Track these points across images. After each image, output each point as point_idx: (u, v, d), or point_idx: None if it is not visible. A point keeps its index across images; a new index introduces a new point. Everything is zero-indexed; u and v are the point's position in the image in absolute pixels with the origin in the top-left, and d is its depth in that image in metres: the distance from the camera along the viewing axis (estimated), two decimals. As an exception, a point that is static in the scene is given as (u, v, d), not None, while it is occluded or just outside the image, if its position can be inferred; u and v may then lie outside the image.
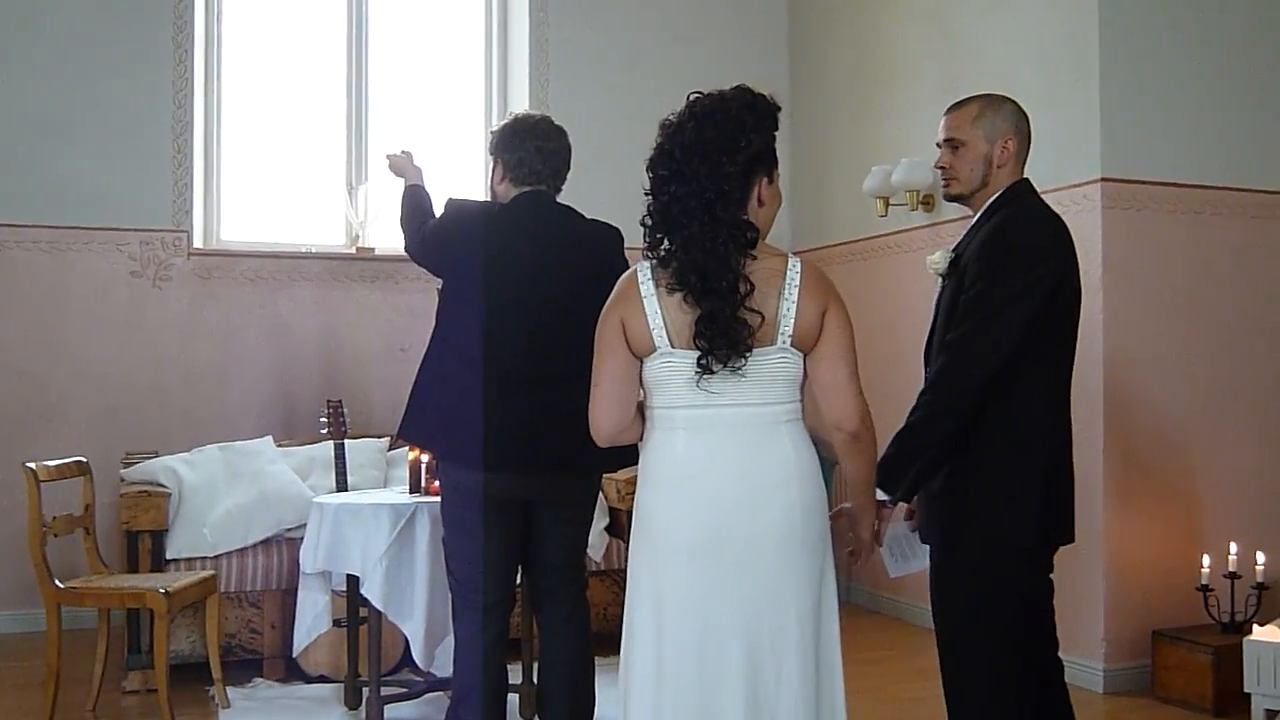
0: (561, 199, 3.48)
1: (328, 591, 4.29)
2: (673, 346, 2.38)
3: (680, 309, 2.37)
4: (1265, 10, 4.96)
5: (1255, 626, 4.28)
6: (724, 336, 2.33)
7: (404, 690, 4.29)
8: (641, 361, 2.43)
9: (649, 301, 2.39)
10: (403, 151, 3.79)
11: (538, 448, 3.26)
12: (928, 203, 5.60)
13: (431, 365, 3.39)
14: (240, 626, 4.77)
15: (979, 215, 2.85)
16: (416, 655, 4.00)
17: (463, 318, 3.32)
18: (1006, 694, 2.72)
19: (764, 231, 2.44)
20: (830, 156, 6.45)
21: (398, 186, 3.75)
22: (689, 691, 2.35)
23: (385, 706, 4.05)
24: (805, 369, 2.43)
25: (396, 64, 6.50)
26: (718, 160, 2.36)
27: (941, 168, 2.91)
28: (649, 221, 2.43)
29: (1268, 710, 4.08)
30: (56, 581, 4.04)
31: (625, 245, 3.42)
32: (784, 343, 2.38)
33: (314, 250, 6.21)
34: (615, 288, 2.47)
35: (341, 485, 4.59)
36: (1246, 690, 4.12)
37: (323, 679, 4.65)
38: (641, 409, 2.49)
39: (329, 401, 4.71)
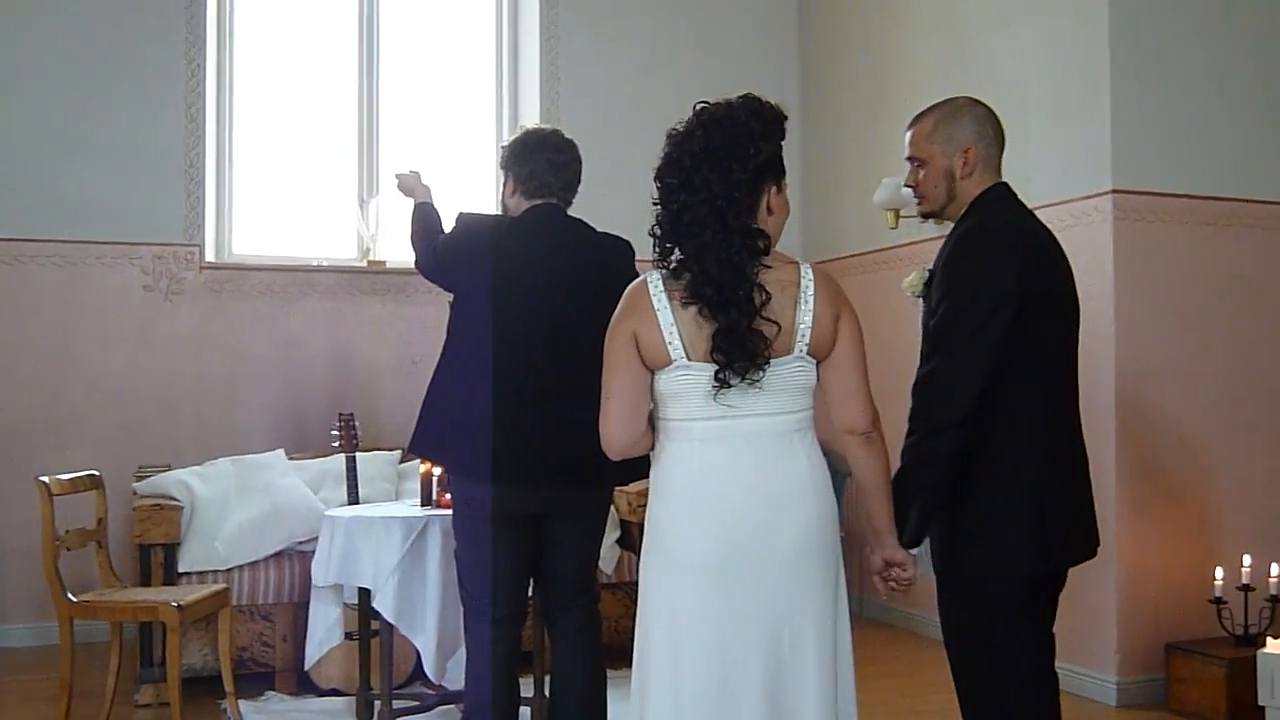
0: (573, 212, 3.48)
1: (339, 604, 4.30)
2: (689, 359, 2.36)
3: (696, 322, 2.35)
4: (1276, 21, 4.95)
5: (1269, 639, 4.26)
6: (741, 350, 2.31)
7: (416, 703, 4.29)
8: (653, 373, 2.41)
9: (663, 314, 2.37)
10: (411, 171, 3.80)
11: (549, 461, 3.26)
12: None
13: (443, 378, 3.40)
14: (252, 639, 4.77)
15: (952, 228, 2.76)
16: (428, 668, 4.01)
17: (474, 331, 3.33)
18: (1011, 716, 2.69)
19: (774, 241, 2.44)
20: (841, 168, 6.45)
21: (407, 205, 3.76)
22: (709, 708, 2.33)
23: (397, 719, 4.05)
24: (818, 375, 2.43)
25: (408, 77, 6.52)
26: (727, 167, 2.35)
27: (910, 185, 2.83)
28: (658, 231, 2.42)
29: (1283, 723, 4.07)
30: (69, 595, 4.05)
31: (636, 258, 3.43)
32: (800, 351, 2.38)
33: (325, 264, 6.23)
34: (624, 298, 2.46)
35: (353, 498, 4.60)
36: (1260, 703, 4.11)
37: (335, 692, 4.65)
38: (652, 420, 2.48)
39: (340, 414, 4.72)
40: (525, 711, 3.92)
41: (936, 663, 2.91)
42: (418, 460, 4.56)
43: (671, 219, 2.39)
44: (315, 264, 6.20)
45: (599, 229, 3.46)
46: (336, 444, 4.66)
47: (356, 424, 4.69)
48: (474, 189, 6.47)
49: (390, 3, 6.48)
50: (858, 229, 6.26)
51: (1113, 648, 4.58)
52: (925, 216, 2.86)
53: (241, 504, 4.97)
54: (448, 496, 3.67)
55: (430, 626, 3.94)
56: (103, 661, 4.31)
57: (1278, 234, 4.93)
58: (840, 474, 2.52)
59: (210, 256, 6.04)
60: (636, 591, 2.51)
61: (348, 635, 4.36)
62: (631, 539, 5.18)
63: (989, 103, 2.87)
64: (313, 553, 4.28)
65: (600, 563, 4.54)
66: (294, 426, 5.93)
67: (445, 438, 3.36)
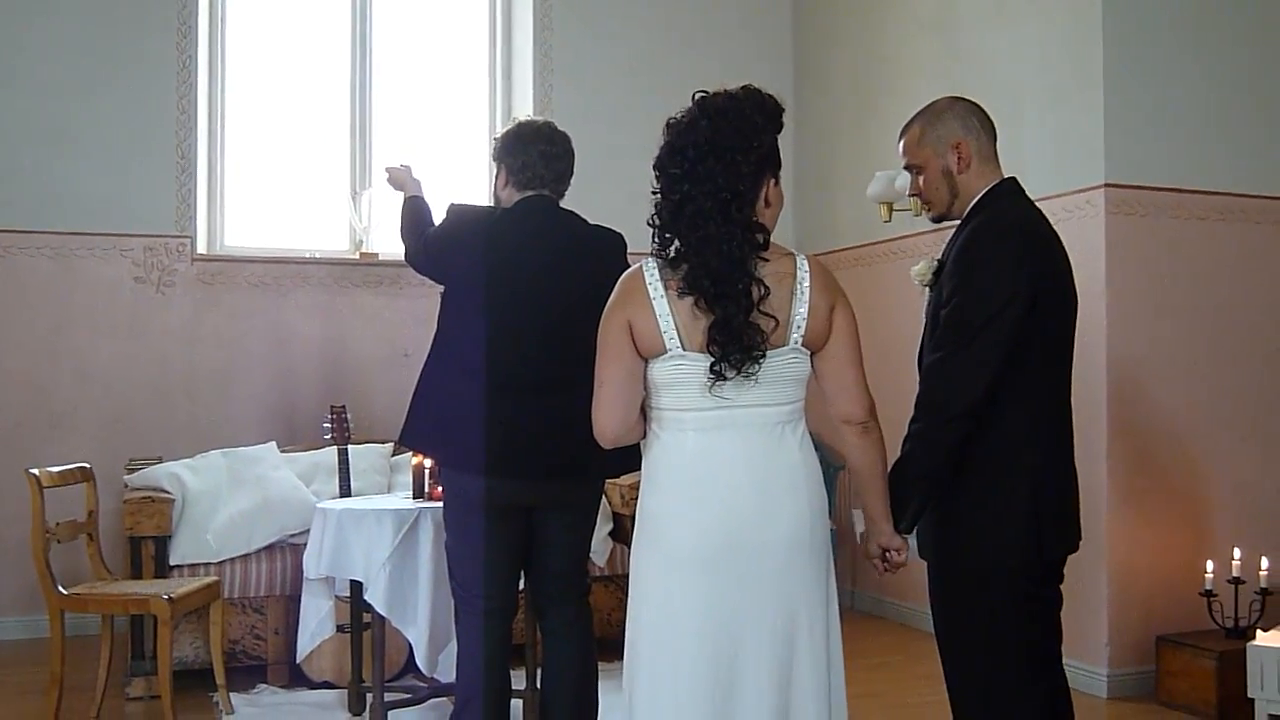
0: (565, 204, 3.48)
1: (331, 597, 4.30)
2: (684, 349, 2.35)
3: (692, 313, 2.34)
4: (1269, 16, 4.96)
5: (1259, 632, 4.27)
6: (737, 343, 2.31)
7: (408, 696, 4.29)
8: (647, 362, 2.40)
9: (658, 303, 2.36)
10: (402, 165, 3.80)
11: (540, 453, 3.25)
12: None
13: (433, 371, 3.39)
14: (244, 632, 4.77)
15: (960, 222, 2.79)
16: (420, 661, 4.01)
17: (465, 323, 3.32)
18: (1008, 713, 2.70)
19: (769, 233, 2.44)
20: (834, 162, 6.45)
21: (398, 199, 3.76)
22: (705, 700, 2.33)
23: (389, 712, 4.05)
24: (812, 367, 2.43)
25: (400, 69, 6.51)
26: (732, 160, 2.34)
27: (914, 194, 2.88)
28: (657, 221, 2.41)
29: (1271, 715, 4.08)
30: (60, 588, 4.04)
31: (629, 250, 3.43)
32: (795, 342, 2.38)
33: (317, 256, 6.22)
34: (618, 287, 2.45)
35: (345, 491, 4.59)
36: (1250, 695, 4.12)
37: (326, 685, 4.65)
38: (644, 409, 2.47)
39: (332, 407, 4.71)
40: (516, 704, 3.93)
41: (928, 655, 2.92)
42: (410, 453, 4.57)
43: (673, 210, 2.38)
44: (307, 256, 6.19)
45: (591, 221, 3.45)
46: (328, 436, 4.65)
47: (348, 416, 4.68)
48: (466, 181, 6.45)
49: (383, -6, 6.47)
50: (851, 222, 6.26)
51: (1103, 640, 4.60)
52: (937, 220, 2.88)
53: (233, 496, 4.97)
54: (439, 489, 3.67)
55: (422, 619, 3.94)
56: (94, 654, 4.31)
57: (1269, 228, 4.94)
58: (832, 467, 2.53)
59: (202, 248, 6.03)
60: (628, 584, 2.51)
61: (339, 628, 4.36)
62: (624, 531, 5.18)
63: (982, 97, 2.90)
64: (304, 545, 4.28)
65: (592, 555, 4.55)
66: (286, 419, 5.93)
67: (435, 430, 3.36)
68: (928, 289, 2.82)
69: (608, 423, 2.43)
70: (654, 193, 2.42)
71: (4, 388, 5.64)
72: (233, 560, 4.82)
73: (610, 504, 5.22)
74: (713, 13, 6.72)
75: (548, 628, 3.48)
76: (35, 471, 4.06)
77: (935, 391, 2.63)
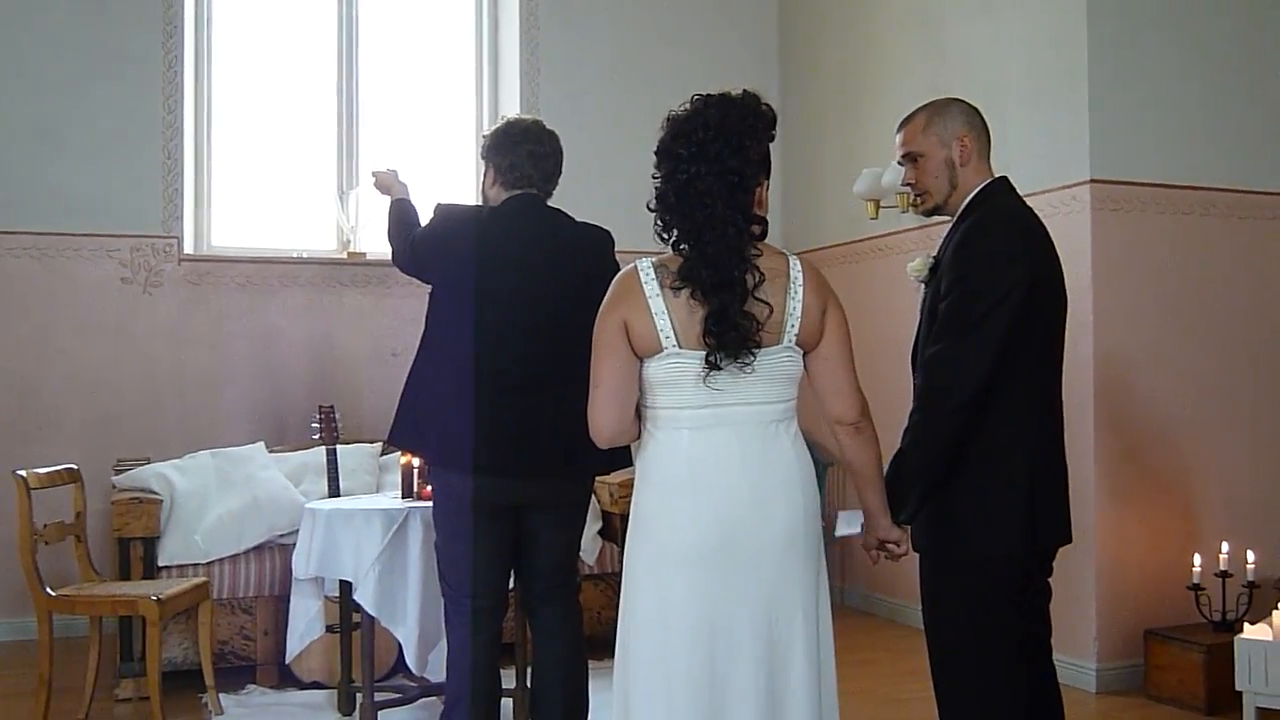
0: (552, 202, 3.48)
1: (320, 597, 4.29)
2: (680, 346, 2.36)
3: (688, 308, 2.35)
4: (1254, 12, 4.98)
5: (1246, 625, 4.29)
6: (734, 332, 2.32)
7: (397, 696, 4.28)
8: (642, 361, 2.41)
9: (654, 300, 2.37)
10: (389, 169, 3.80)
11: (530, 452, 3.25)
12: (916, 204, 5.60)
13: (421, 370, 3.39)
14: (233, 633, 4.76)
15: (956, 218, 2.83)
16: (410, 661, 4.00)
17: (452, 322, 3.32)
18: (994, 700, 2.72)
19: None
20: (821, 159, 6.46)
21: (384, 202, 3.76)
22: (700, 696, 2.34)
23: (379, 712, 4.04)
24: (804, 366, 2.45)
25: (387, 69, 6.50)
26: (740, 143, 2.38)
27: (909, 184, 2.91)
28: (658, 206, 2.42)
29: (1259, 708, 4.10)
30: (48, 589, 4.03)
31: (615, 247, 3.43)
32: (789, 341, 2.40)
33: (305, 255, 6.21)
34: (613, 286, 2.45)
35: (334, 491, 4.59)
36: (1238, 688, 4.14)
37: (316, 685, 4.64)
38: (638, 409, 2.47)
39: (321, 407, 4.70)
40: (507, 703, 3.93)
41: (915, 650, 2.93)
42: (399, 452, 4.56)
43: (678, 189, 2.38)
44: (295, 256, 6.18)
45: (578, 219, 3.46)
46: (317, 436, 4.64)
47: (337, 416, 4.68)
48: (453, 180, 6.45)
49: (369, -7, 6.46)
50: (838, 219, 6.27)
51: (1092, 634, 4.61)
52: (928, 213, 2.92)
53: (221, 497, 4.96)
54: (429, 489, 3.67)
55: (411, 619, 3.93)
56: (82, 656, 4.29)
57: (1255, 223, 4.96)
58: (821, 464, 2.55)
59: (189, 249, 6.01)
60: (618, 582, 2.52)
61: (329, 628, 4.35)
62: (613, 530, 5.18)
63: (968, 93, 2.95)
64: (293, 545, 4.26)
65: (582, 553, 4.55)
66: (274, 419, 5.92)
67: (424, 429, 3.35)
68: (923, 285, 2.84)
69: (604, 422, 2.43)
70: (654, 178, 2.43)
71: (-10, 389, 5.63)
72: (221, 561, 4.81)
73: (600, 502, 5.22)
74: (699, 11, 6.73)
75: (538, 626, 3.48)
76: (22, 473, 4.04)
77: (936, 381, 2.67)
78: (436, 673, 3.99)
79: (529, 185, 3.40)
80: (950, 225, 2.84)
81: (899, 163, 2.93)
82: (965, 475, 2.68)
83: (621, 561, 2.52)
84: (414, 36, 6.57)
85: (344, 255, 6.25)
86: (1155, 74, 4.79)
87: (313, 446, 5.09)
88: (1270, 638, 4.08)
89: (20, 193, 5.68)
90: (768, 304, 2.35)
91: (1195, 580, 4.52)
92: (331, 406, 4.71)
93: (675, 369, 2.37)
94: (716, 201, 2.35)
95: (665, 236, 2.42)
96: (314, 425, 4.67)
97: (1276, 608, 4.17)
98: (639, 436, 2.48)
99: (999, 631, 2.70)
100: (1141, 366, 4.76)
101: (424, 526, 3.88)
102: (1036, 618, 2.80)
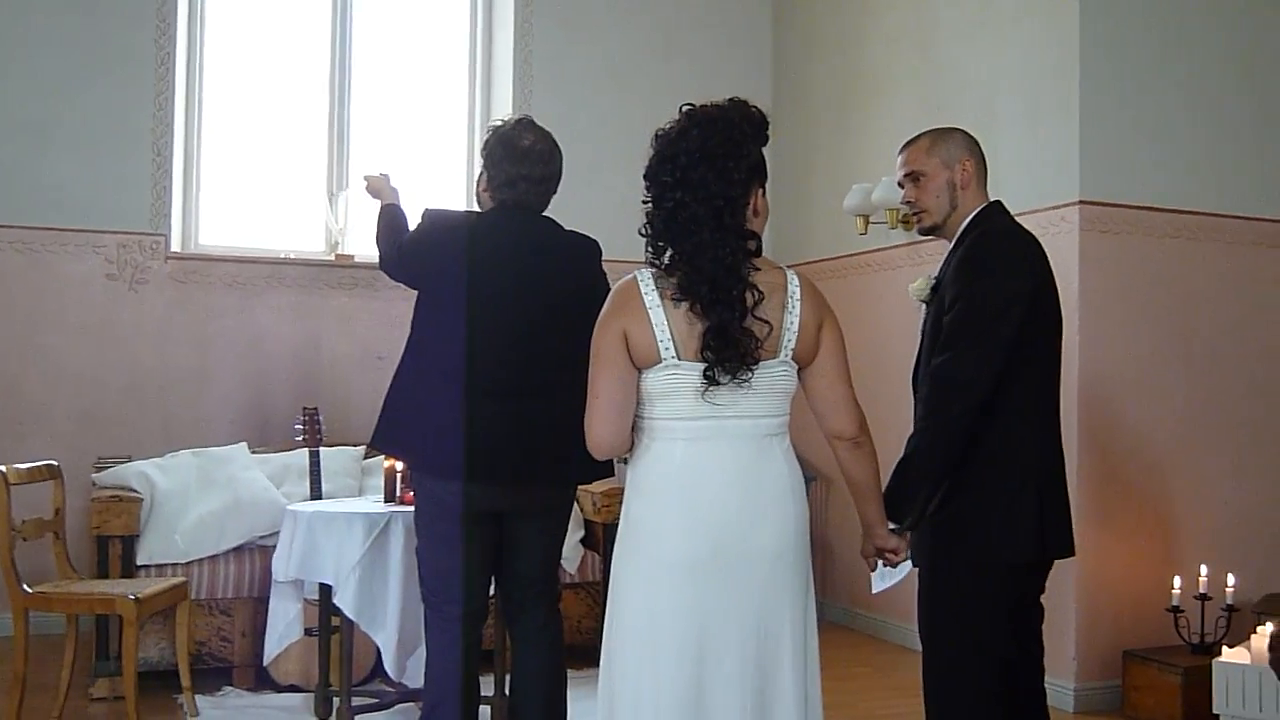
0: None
1: (300, 600, 4.27)
2: (679, 358, 2.36)
3: (687, 320, 2.36)
4: (1245, 36, 5.01)
5: (1225, 648, 4.30)
6: (732, 348, 2.33)
7: (375, 701, 4.27)
8: (640, 372, 2.40)
9: (654, 311, 2.37)
10: (381, 173, 3.79)
11: (513, 458, 3.25)
12: (908, 221, 5.62)
13: (406, 374, 3.37)
14: (211, 634, 4.73)
15: (955, 240, 2.88)
16: (388, 666, 3.98)
17: (439, 327, 3.31)
18: (987, 714, 2.72)
19: None
20: (811, 174, 6.47)
21: (375, 205, 3.74)
22: (687, 707, 2.34)
23: (356, 717, 4.03)
24: (802, 383, 2.46)
25: (380, 71, 6.49)
26: (724, 166, 2.37)
27: (908, 203, 2.96)
28: (649, 230, 2.41)
29: (1236, 732, 4.11)
30: (25, 586, 4.00)
31: (604, 257, 3.43)
32: (786, 355, 2.40)
33: (292, 256, 6.19)
34: (612, 296, 2.45)
35: (316, 493, 4.57)
36: (1215, 711, 4.15)
37: (293, 688, 4.62)
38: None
39: (305, 409, 4.69)
40: (485, 710, 3.92)
41: (897, 666, 2.94)
42: (382, 456, 4.55)
43: (666, 217, 2.39)
44: (282, 256, 6.16)
45: (568, 227, 3.45)
46: (300, 438, 4.63)
47: (321, 418, 4.66)
48: (445, 184, 6.44)
49: (363, -4, 6.45)
50: (827, 234, 6.28)
51: (1071, 654, 4.62)
52: (925, 231, 2.97)
53: (202, 497, 4.93)
54: (411, 493, 3.65)
55: (391, 624, 3.91)
56: (58, 654, 4.26)
57: (1239, 248, 4.99)
58: (807, 478, 2.56)
59: (176, 246, 5.98)
60: (599, 591, 2.52)
61: (307, 631, 4.33)
62: (595, 538, 5.17)
63: (959, 113, 3.01)
64: (273, 547, 4.25)
65: (563, 561, 4.54)
66: (258, 420, 5.89)
67: (407, 434, 3.34)
68: (924, 305, 2.87)
69: (603, 433, 2.43)
70: (645, 202, 2.43)
71: (-28, 383, 5.59)
72: (201, 561, 4.78)
73: (582, 510, 5.21)
74: (692, 21, 6.74)
75: (518, 634, 3.46)
76: (2, 468, 4.01)
77: (942, 389, 2.70)
78: (415, 678, 3.98)
79: (521, 199, 3.38)
80: (950, 246, 2.90)
81: (900, 182, 2.98)
82: (972, 483, 2.72)
83: (603, 570, 2.52)
84: (407, 39, 6.57)
85: (332, 257, 6.23)
86: (1146, 97, 4.82)
87: (295, 448, 5.07)
88: (1248, 661, 4.09)
89: (7, 187, 5.65)
90: (767, 322, 2.36)
91: (1175, 602, 4.53)
92: (315, 408, 4.70)
93: (673, 381, 2.37)
94: (703, 229, 2.35)
95: (657, 262, 2.41)
96: (297, 427, 4.66)
97: (1255, 631, 4.19)
98: (633, 447, 2.48)
99: (996, 641, 2.73)
100: (1125, 388, 4.77)
101: (406, 531, 3.87)
102: (1031, 638, 2.83)
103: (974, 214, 2.86)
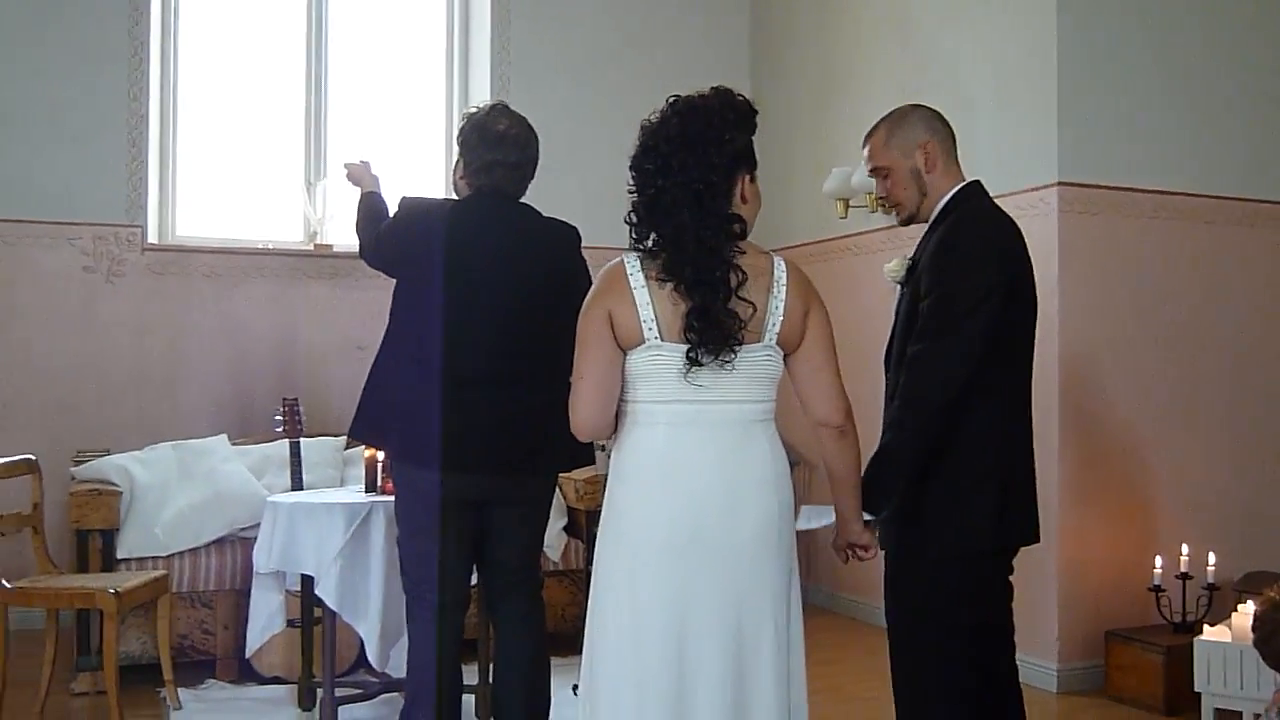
0: (522, 199, 3.45)
1: (282, 591, 4.25)
2: (662, 339, 2.36)
3: (671, 301, 2.35)
4: (1222, 18, 5.02)
5: (1206, 627, 4.32)
6: (716, 329, 2.32)
7: (358, 691, 4.26)
8: (625, 354, 2.40)
9: (639, 292, 2.36)
10: (361, 161, 3.77)
11: (494, 447, 3.24)
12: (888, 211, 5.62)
13: (384, 363, 3.36)
14: (192, 627, 4.71)
15: (931, 222, 2.86)
16: (371, 656, 3.97)
17: (418, 315, 3.29)
18: (955, 700, 2.73)
19: (748, 228, 2.47)
20: (791, 158, 6.46)
21: (355, 193, 3.72)
22: (668, 692, 2.34)
23: (339, 708, 4.02)
24: (788, 370, 2.45)
25: (357, 60, 6.45)
26: (704, 152, 2.37)
27: (881, 198, 2.95)
28: (634, 218, 2.42)
29: (1217, 709, 4.13)
30: (4, 581, 3.98)
31: (583, 244, 3.42)
32: (770, 340, 2.40)
33: (271, 247, 6.15)
34: (599, 279, 2.45)
35: (296, 484, 4.55)
36: (1197, 689, 4.17)
37: (276, 680, 4.60)
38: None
39: (284, 399, 4.67)
40: (468, 699, 3.91)
41: (881, 650, 2.94)
42: (363, 446, 4.53)
43: (648, 204, 2.39)
44: (261, 247, 6.12)
45: (546, 214, 3.43)
46: (280, 429, 4.60)
47: (301, 409, 4.64)
48: (422, 173, 6.41)
49: (339, -17, 6.41)
50: (807, 218, 6.28)
51: (1053, 634, 4.64)
52: (904, 223, 2.95)
53: (182, 489, 4.91)
54: (391, 483, 3.64)
55: (373, 614, 3.90)
56: (38, 649, 4.23)
57: (1221, 228, 5.00)
58: (791, 462, 2.55)
59: (153, 238, 5.94)
60: (582, 579, 2.51)
61: (290, 623, 4.31)
62: (578, 526, 5.16)
63: (937, 95, 2.97)
64: (255, 539, 4.23)
65: (546, 549, 4.53)
66: (237, 411, 5.86)
67: (387, 422, 3.33)
68: (900, 286, 2.86)
69: (587, 415, 2.42)
70: (630, 192, 2.43)
71: (-52, 378, 5.54)
72: (181, 554, 4.76)
73: (565, 498, 5.20)
74: (671, 10, 6.72)
75: (500, 622, 3.46)
76: (-22, 463, 3.99)
77: (919, 381, 2.68)
78: (398, 668, 3.96)
79: (499, 185, 3.37)
80: (926, 228, 2.86)
81: (870, 174, 2.96)
82: (937, 473, 2.70)
83: (586, 558, 2.52)
84: (384, 28, 6.53)
85: (310, 247, 6.20)
86: (1124, 79, 4.83)
87: (276, 439, 5.05)
88: (1229, 640, 4.12)
89: (-19, 179, 5.60)
90: (751, 303, 2.35)
91: (1156, 582, 4.55)
92: (295, 399, 4.68)
93: (656, 361, 2.37)
94: (683, 212, 2.35)
95: (643, 245, 2.41)
96: (277, 418, 4.63)
97: (1235, 610, 4.21)
98: (616, 432, 2.47)
99: (957, 631, 2.72)
100: (1106, 369, 4.79)
101: (387, 521, 3.86)
102: (1001, 613, 2.83)
103: (951, 194, 2.83)
